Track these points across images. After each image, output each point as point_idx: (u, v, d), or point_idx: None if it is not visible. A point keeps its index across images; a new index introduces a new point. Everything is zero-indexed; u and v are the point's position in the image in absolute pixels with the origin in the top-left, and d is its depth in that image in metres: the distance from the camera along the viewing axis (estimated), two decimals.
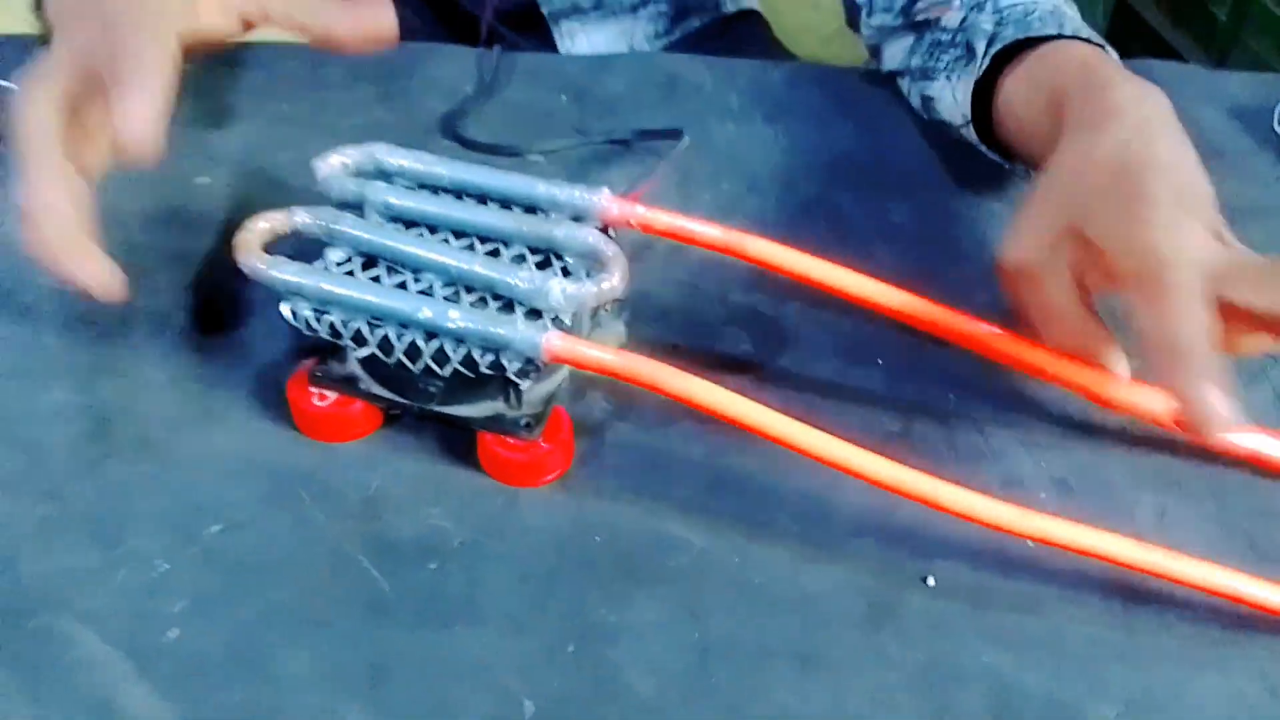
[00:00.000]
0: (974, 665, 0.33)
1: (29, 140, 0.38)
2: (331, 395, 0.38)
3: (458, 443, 0.38)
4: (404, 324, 0.36)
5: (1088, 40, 0.48)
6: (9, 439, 0.39)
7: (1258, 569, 0.35)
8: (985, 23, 0.50)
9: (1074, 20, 0.49)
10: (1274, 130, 0.56)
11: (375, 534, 0.36)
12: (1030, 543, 0.36)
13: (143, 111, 0.36)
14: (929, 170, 0.52)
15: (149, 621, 0.33)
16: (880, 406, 0.41)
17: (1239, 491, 0.38)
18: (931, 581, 0.35)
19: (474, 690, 0.32)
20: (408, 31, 0.73)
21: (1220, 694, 0.33)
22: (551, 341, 0.35)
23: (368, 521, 0.36)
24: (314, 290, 0.37)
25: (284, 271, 0.37)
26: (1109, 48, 0.48)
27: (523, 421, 0.37)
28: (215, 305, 0.44)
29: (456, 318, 0.36)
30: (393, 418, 0.39)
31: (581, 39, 0.73)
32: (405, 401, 0.38)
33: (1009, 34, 0.48)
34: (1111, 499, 0.38)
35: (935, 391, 0.41)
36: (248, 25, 0.43)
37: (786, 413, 0.35)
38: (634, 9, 0.74)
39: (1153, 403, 0.38)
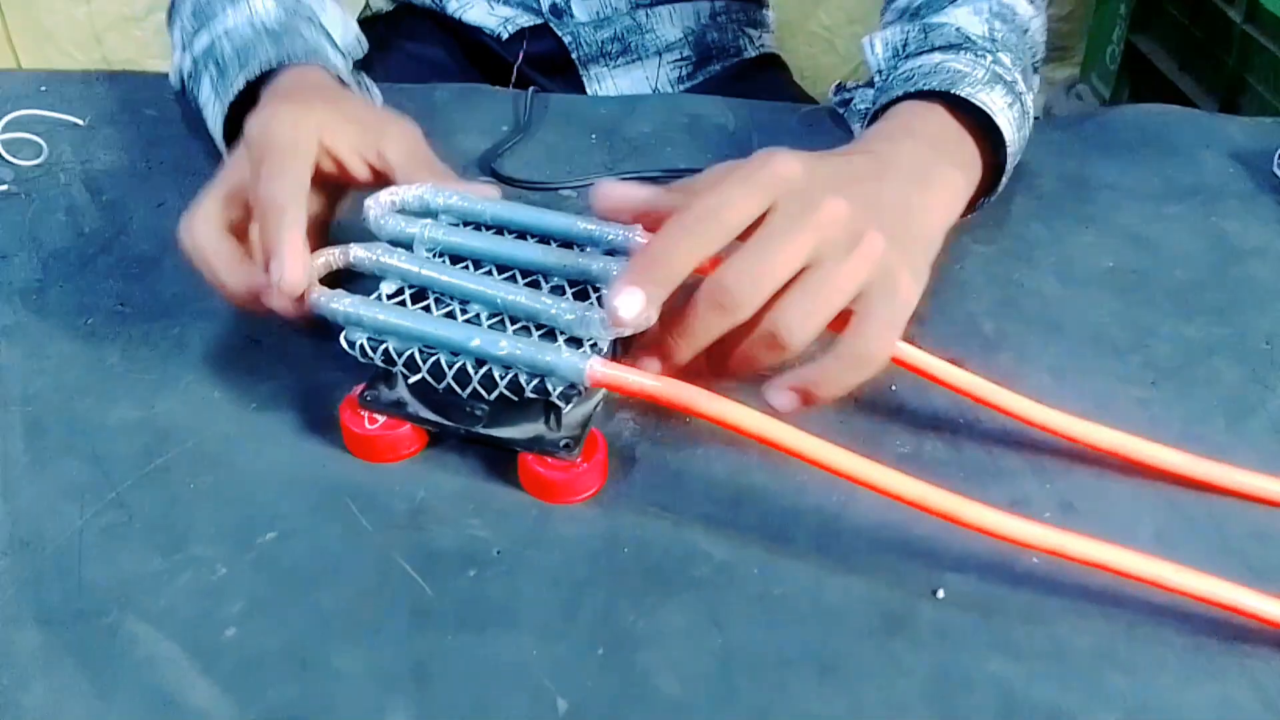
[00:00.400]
0: (982, 674, 0.35)
1: (204, 250, 0.43)
2: (380, 419, 0.41)
3: (497, 460, 0.41)
4: (455, 351, 0.39)
5: (940, 93, 0.48)
6: (77, 452, 0.41)
7: (1253, 588, 0.37)
8: (874, 91, 0.54)
9: (954, 74, 0.49)
10: (1274, 173, 0.58)
11: (419, 544, 0.38)
12: (1035, 558, 0.38)
13: (293, 274, 0.40)
14: None
15: (209, 621, 0.36)
16: (893, 428, 0.43)
17: (1236, 515, 0.40)
18: (942, 594, 0.37)
19: (511, 689, 0.34)
20: (442, 73, 0.77)
21: (1216, 704, 0.35)
22: (594, 367, 0.38)
23: (412, 532, 0.39)
24: (371, 320, 0.39)
25: (343, 303, 0.40)
26: (977, 99, 0.48)
27: (562, 442, 0.39)
28: (268, 330, 0.46)
29: (505, 345, 0.38)
30: (436, 439, 0.42)
31: (609, 84, 0.77)
32: (451, 424, 0.40)
33: (863, 106, 0.53)
34: (1113, 520, 0.40)
35: (945, 415, 0.43)
36: (375, 175, 0.46)
37: (807, 434, 0.37)
38: (659, 54, 0.77)
39: None
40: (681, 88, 0.78)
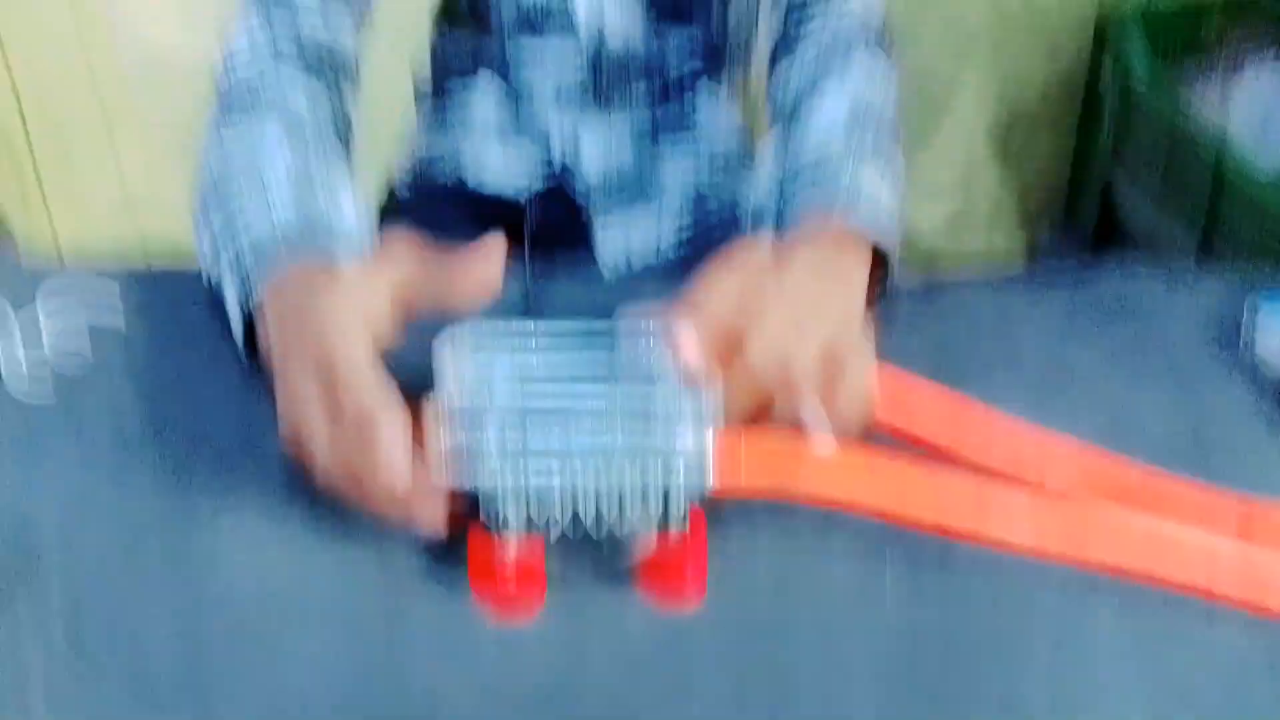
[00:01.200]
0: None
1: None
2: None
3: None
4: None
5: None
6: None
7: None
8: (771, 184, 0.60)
9: (837, 164, 0.57)
10: (1243, 349, 0.60)
11: None
12: None
13: (439, 521, 0.44)
14: None
15: None
16: None
17: None
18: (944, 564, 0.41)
19: None
20: (452, 232, 0.81)
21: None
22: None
23: None
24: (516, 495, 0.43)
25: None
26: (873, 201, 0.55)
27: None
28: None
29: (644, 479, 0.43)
30: None
31: (616, 233, 0.82)
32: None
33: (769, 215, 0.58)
34: None
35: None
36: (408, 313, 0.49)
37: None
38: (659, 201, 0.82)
39: None
40: (683, 236, 0.83)
